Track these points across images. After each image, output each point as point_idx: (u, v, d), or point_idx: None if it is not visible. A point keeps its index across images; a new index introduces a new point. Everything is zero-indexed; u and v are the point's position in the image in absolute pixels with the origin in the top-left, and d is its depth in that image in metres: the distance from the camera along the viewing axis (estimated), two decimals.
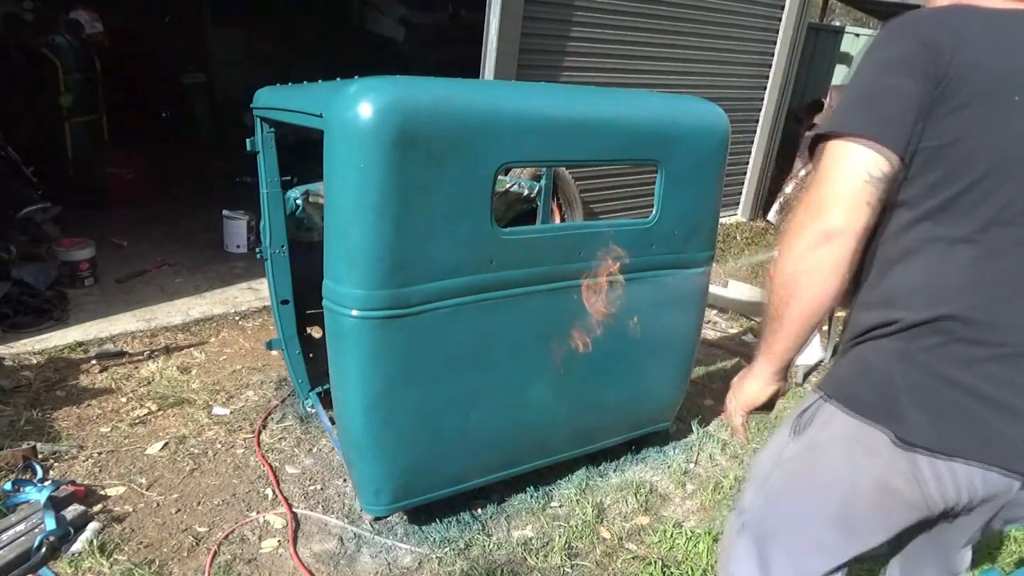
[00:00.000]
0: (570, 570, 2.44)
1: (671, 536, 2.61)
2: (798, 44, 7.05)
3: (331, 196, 2.05)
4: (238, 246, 5.05)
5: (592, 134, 2.36)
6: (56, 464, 2.68)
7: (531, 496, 2.74)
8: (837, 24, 11.75)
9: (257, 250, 2.93)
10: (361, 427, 2.23)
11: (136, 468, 2.73)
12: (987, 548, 2.65)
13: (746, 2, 6.38)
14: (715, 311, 4.82)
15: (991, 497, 1.28)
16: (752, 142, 7.22)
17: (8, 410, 2.97)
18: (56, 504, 2.35)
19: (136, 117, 6.96)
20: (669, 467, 3.03)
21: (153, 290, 4.29)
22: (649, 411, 2.95)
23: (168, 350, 3.63)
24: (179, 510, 2.54)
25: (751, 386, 1.49)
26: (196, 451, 2.86)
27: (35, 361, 3.38)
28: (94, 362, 3.42)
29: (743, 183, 7.35)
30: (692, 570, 2.45)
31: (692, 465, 3.08)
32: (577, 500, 2.76)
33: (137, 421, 3.00)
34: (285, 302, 2.99)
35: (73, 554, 2.26)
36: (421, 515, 2.56)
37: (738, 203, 7.43)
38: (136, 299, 4.13)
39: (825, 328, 4.23)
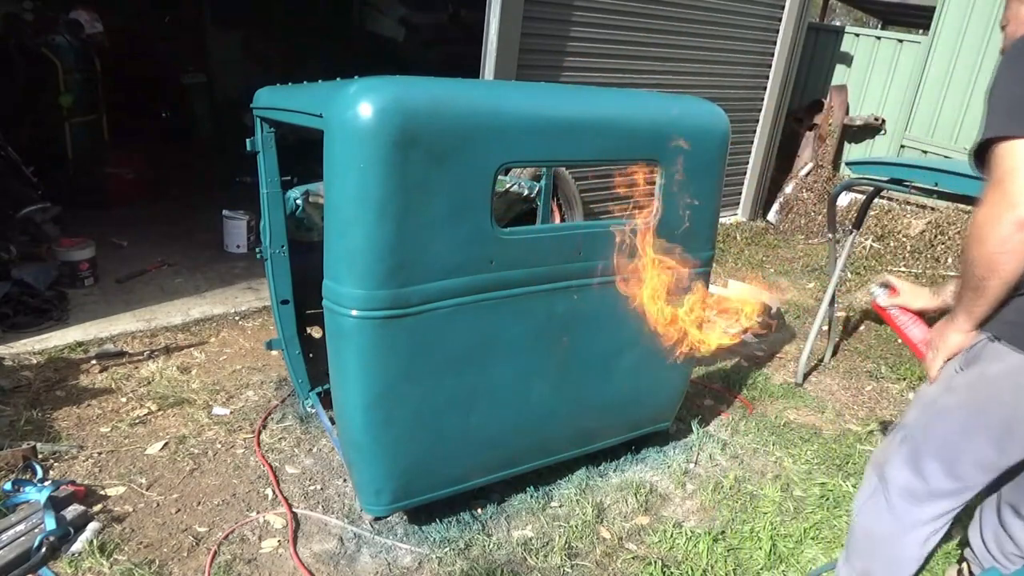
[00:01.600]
0: (570, 570, 2.44)
1: (671, 536, 2.61)
2: (798, 44, 7.05)
3: (331, 196, 2.05)
4: (238, 246, 5.05)
5: (592, 134, 2.36)
6: (56, 464, 2.68)
7: (531, 496, 2.74)
8: (837, 24, 11.74)
9: (257, 250, 2.93)
10: (361, 427, 2.23)
11: (136, 468, 2.73)
12: None
13: (746, 2, 6.38)
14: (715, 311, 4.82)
15: None
16: (752, 142, 7.22)
17: (8, 410, 2.97)
18: (56, 504, 2.35)
19: (136, 117, 6.96)
20: (669, 467, 3.03)
21: (153, 290, 4.29)
22: (649, 411, 2.95)
23: (168, 350, 3.63)
24: (179, 510, 2.54)
25: (955, 338, 1.76)
26: (196, 451, 2.86)
27: (35, 361, 3.38)
28: (94, 362, 3.42)
29: (743, 183, 7.34)
30: (692, 570, 2.45)
31: (692, 465, 3.09)
32: (577, 500, 2.76)
33: (137, 421, 3.00)
34: (285, 302, 2.99)
35: (73, 554, 2.26)
36: (421, 515, 2.56)
37: (738, 203, 7.42)
38: (136, 299, 4.13)
39: (825, 328, 4.24)
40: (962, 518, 1.96)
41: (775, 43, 6.86)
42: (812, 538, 2.67)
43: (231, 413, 3.15)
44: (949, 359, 1.79)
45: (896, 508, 1.87)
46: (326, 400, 2.69)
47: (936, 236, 6.35)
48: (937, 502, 1.83)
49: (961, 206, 5.90)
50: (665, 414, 3.04)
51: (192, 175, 6.58)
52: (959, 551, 2.48)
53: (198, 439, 2.94)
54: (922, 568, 1.92)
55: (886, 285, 2.24)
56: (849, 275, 5.81)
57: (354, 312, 2.05)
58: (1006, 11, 1.89)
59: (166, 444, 2.88)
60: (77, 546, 2.28)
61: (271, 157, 2.78)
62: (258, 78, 3.22)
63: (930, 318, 2.10)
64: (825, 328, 4.24)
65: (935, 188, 3.35)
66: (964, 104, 6.98)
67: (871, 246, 6.50)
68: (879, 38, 7.88)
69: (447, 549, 2.44)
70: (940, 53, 7.10)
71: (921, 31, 9.34)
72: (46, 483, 2.45)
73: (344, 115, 1.93)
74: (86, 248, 4.20)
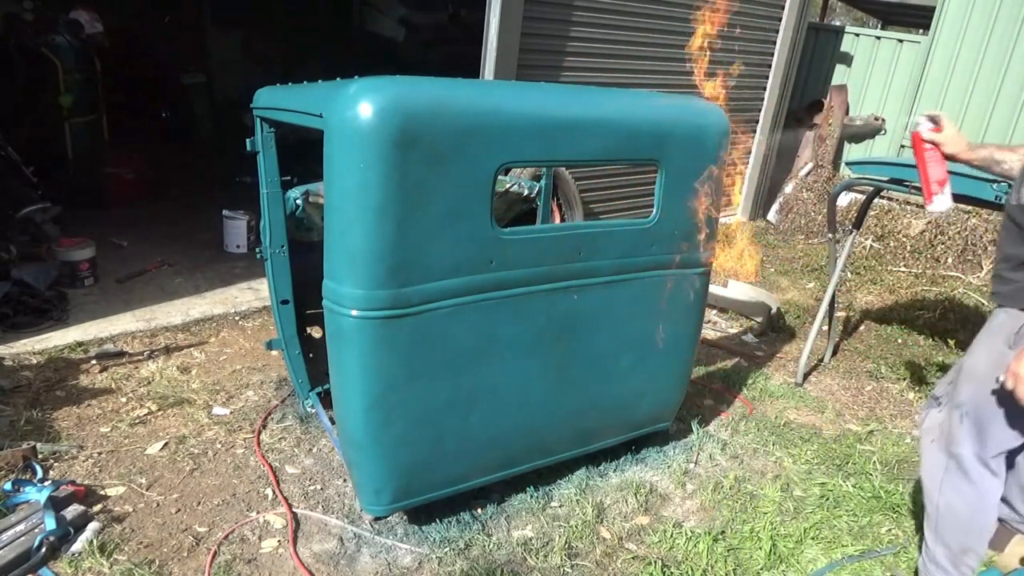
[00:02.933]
0: (570, 570, 2.44)
1: (671, 536, 2.61)
2: (798, 44, 7.05)
3: (331, 196, 2.05)
4: (238, 246, 5.05)
5: (592, 134, 2.36)
6: (56, 464, 2.68)
7: (531, 496, 2.74)
8: (837, 24, 11.74)
9: (257, 250, 2.93)
10: (361, 427, 2.23)
11: (136, 468, 2.73)
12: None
13: (746, 2, 6.38)
14: (715, 311, 4.82)
15: None
16: (752, 142, 7.22)
17: (8, 410, 2.97)
18: (56, 504, 2.35)
19: (136, 117, 6.96)
20: (669, 467, 3.03)
21: (153, 290, 4.29)
22: (649, 411, 2.95)
23: (168, 350, 3.63)
24: (179, 510, 2.54)
25: None
26: (196, 451, 2.86)
27: (35, 361, 3.38)
28: (94, 362, 3.42)
29: (743, 183, 7.34)
30: (692, 570, 2.45)
31: (692, 465, 3.08)
32: (577, 500, 2.76)
33: (137, 421, 3.00)
34: (285, 302, 2.99)
35: (73, 554, 2.26)
36: (421, 515, 2.56)
37: (738, 203, 7.42)
38: (136, 299, 4.13)
39: (825, 328, 4.24)
40: None
41: (775, 43, 6.86)
42: (812, 538, 2.67)
43: (231, 413, 3.15)
44: None
45: (975, 478, 2.03)
46: (326, 400, 2.69)
47: (936, 236, 6.34)
48: (1001, 456, 2.02)
49: (961, 206, 5.89)
50: (665, 414, 3.04)
51: (192, 175, 6.58)
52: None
53: (198, 439, 2.94)
54: None
55: (934, 120, 2.35)
56: (849, 275, 5.81)
57: (354, 312, 2.05)
58: None
59: (166, 444, 2.88)
60: (77, 546, 2.28)
61: (271, 157, 2.78)
62: (258, 78, 3.21)
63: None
64: (825, 328, 4.24)
65: None
66: (964, 104, 6.98)
67: (871, 246, 6.49)
68: (879, 38, 7.88)
69: (447, 549, 2.44)
70: (940, 53, 7.10)
71: (921, 31, 9.34)
72: (46, 483, 2.45)
73: (344, 115, 1.93)
74: (86, 248, 4.20)
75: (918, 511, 2.86)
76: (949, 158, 2.36)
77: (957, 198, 3.53)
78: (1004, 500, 2.27)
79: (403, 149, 1.95)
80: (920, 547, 2.28)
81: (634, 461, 3.04)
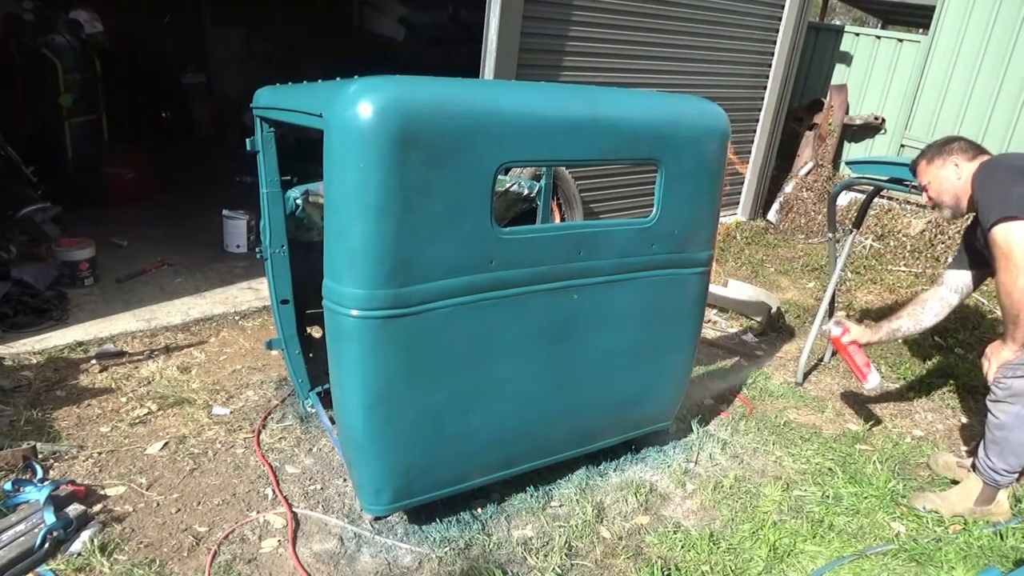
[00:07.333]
0: (570, 570, 2.44)
1: (671, 536, 2.61)
2: (798, 44, 7.05)
3: (331, 196, 2.05)
4: (238, 246, 5.06)
5: (592, 134, 2.36)
6: (56, 464, 2.69)
7: (531, 496, 2.74)
8: (837, 23, 11.74)
9: (257, 250, 2.93)
10: (361, 427, 2.23)
11: (136, 468, 2.73)
12: (986, 547, 2.65)
13: (746, 2, 6.38)
14: (715, 311, 4.82)
15: None
16: (752, 142, 7.22)
17: (8, 410, 2.97)
18: (56, 503, 2.34)
19: (136, 117, 6.97)
20: (669, 467, 3.03)
21: (153, 290, 4.29)
22: (649, 411, 2.95)
23: (168, 350, 3.63)
24: (179, 510, 2.54)
25: (1006, 354, 2.62)
26: (196, 451, 2.86)
27: (35, 361, 3.38)
28: (94, 362, 3.42)
29: (743, 183, 7.34)
30: (692, 570, 2.45)
31: (692, 465, 3.09)
32: (577, 500, 2.76)
33: (137, 421, 3.00)
34: (285, 302, 2.99)
35: (73, 554, 2.26)
36: (421, 515, 2.56)
37: (738, 203, 7.42)
38: (136, 299, 4.14)
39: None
40: None
41: (775, 43, 6.86)
42: (812, 538, 2.67)
43: (231, 413, 3.15)
44: (1000, 367, 2.64)
45: None
46: (326, 400, 2.69)
47: (936, 236, 6.34)
48: None
49: None
50: (665, 413, 3.04)
51: (192, 175, 6.58)
52: None
53: (198, 439, 2.94)
54: None
55: (839, 324, 3.17)
56: (849, 275, 5.81)
57: (354, 312, 2.05)
58: (924, 177, 2.85)
59: (166, 444, 2.88)
60: (77, 546, 2.29)
61: (271, 157, 2.78)
62: (258, 78, 3.21)
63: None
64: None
65: None
66: (964, 103, 6.98)
67: (871, 245, 6.50)
68: (879, 37, 7.88)
69: (447, 549, 2.44)
70: (940, 52, 7.10)
71: (921, 30, 9.34)
72: (46, 483, 2.45)
73: (344, 115, 1.93)
74: (86, 248, 4.20)
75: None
76: (864, 344, 3.13)
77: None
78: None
79: (403, 149, 1.95)
80: (979, 468, 2.83)
81: (634, 461, 3.04)
